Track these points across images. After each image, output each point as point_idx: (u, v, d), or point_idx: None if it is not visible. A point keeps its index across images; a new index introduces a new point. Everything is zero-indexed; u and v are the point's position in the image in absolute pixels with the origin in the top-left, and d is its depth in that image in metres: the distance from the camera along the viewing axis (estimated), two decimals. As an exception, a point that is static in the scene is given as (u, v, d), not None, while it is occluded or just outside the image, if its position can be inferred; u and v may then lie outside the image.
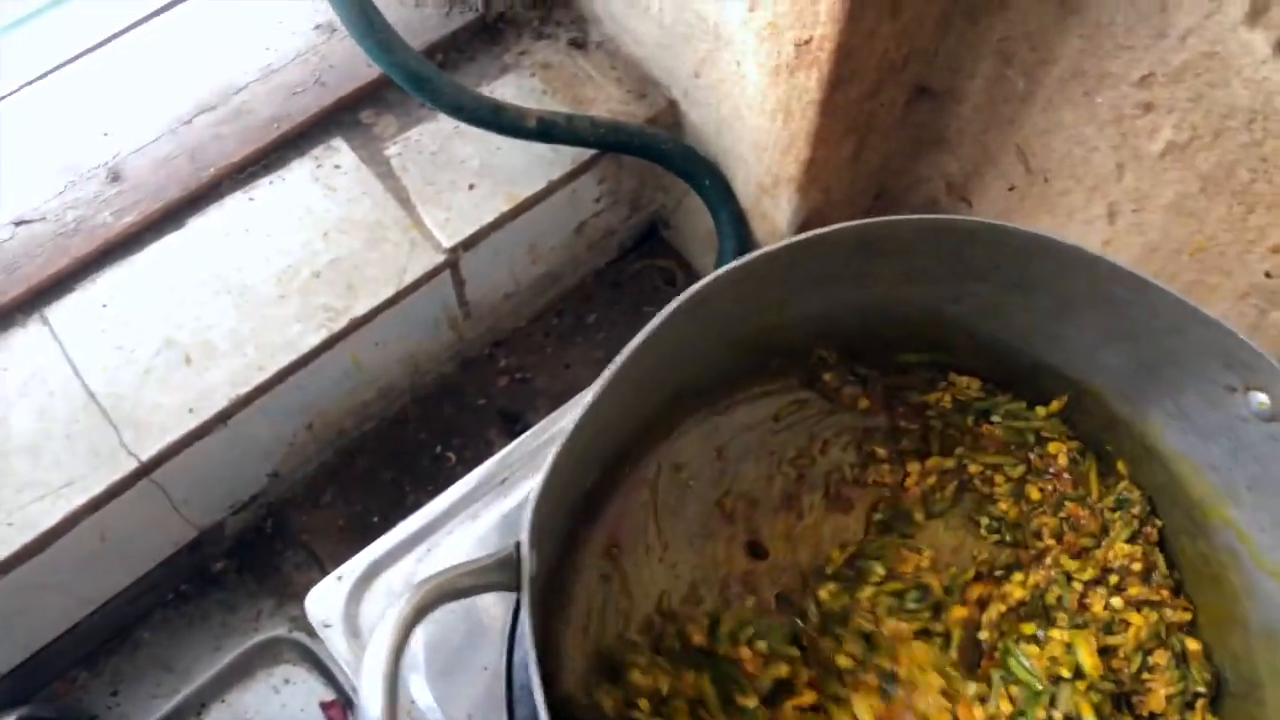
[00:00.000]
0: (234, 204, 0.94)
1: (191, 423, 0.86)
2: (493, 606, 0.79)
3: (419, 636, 0.81)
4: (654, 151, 0.96)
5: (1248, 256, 0.77)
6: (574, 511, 0.75)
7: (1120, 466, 0.81)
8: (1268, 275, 0.76)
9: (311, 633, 0.87)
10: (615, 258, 1.16)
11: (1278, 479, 0.67)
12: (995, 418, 0.81)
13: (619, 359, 0.61)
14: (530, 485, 0.78)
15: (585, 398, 0.61)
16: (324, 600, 0.82)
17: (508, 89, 0.99)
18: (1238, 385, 0.66)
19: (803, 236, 0.65)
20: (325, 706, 0.98)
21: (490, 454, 0.87)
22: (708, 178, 0.98)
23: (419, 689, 0.79)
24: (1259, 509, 0.70)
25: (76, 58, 1.00)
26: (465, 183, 0.96)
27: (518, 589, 0.56)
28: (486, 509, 0.87)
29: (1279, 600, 0.69)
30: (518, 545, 0.57)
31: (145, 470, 0.86)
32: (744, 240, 1.01)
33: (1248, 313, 0.79)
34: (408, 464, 1.08)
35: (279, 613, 1.01)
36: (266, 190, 0.95)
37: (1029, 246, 0.64)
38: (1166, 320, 0.66)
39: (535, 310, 1.12)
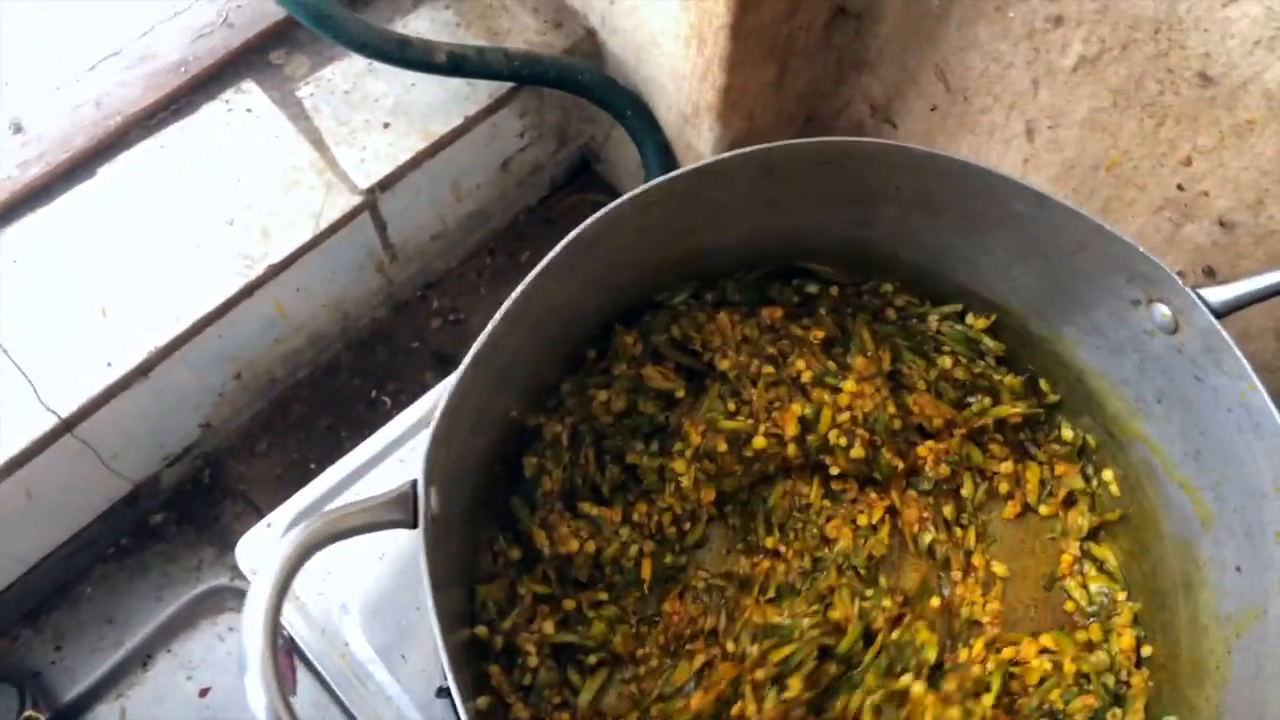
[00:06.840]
0: (144, 151, 0.92)
1: (111, 376, 0.85)
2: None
3: (350, 582, 0.81)
4: (572, 83, 0.94)
5: (1160, 170, 0.76)
6: (494, 445, 0.75)
7: (1043, 385, 0.81)
8: (1180, 188, 0.76)
9: (253, 582, 0.87)
10: (547, 194, 1.14)
11: (1183, 391, 0.67)
12: (933, 318, 0.80)
13: (513, 295, 0.61)
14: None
15: (482, 335, 0.61)
16: (254, 548, 0.82)
17: (421, 22, 0.97)
18: (1141, 298, 0.66)
19: (700, 163, 0.64)
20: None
21: (425, 396, 0.87)
22: (629, 108, 0.96)
23: (353, 635, 0.79)
24: (1168, 421, 0.70)
25: (-27, 5, 0.97)
26: (380, 121, 0.93)
27: (414, 526, 0.56)
28: (416, 452, 0.86)
29: (1188, 511, 0.70)
30: (414, 483, 0.57)
31: (67, 426, 0.84)
32: (670, 171, 0.99)
33: (1163, 227, 0.79)
34: (343, 410, 1.07)
35: (219, 562, 1.01)
36: (177, 136, 0.93)
37: (926, 166, 0.64)
38: (1071, 236, 0.66)
39: (466, 250, 1.11)
